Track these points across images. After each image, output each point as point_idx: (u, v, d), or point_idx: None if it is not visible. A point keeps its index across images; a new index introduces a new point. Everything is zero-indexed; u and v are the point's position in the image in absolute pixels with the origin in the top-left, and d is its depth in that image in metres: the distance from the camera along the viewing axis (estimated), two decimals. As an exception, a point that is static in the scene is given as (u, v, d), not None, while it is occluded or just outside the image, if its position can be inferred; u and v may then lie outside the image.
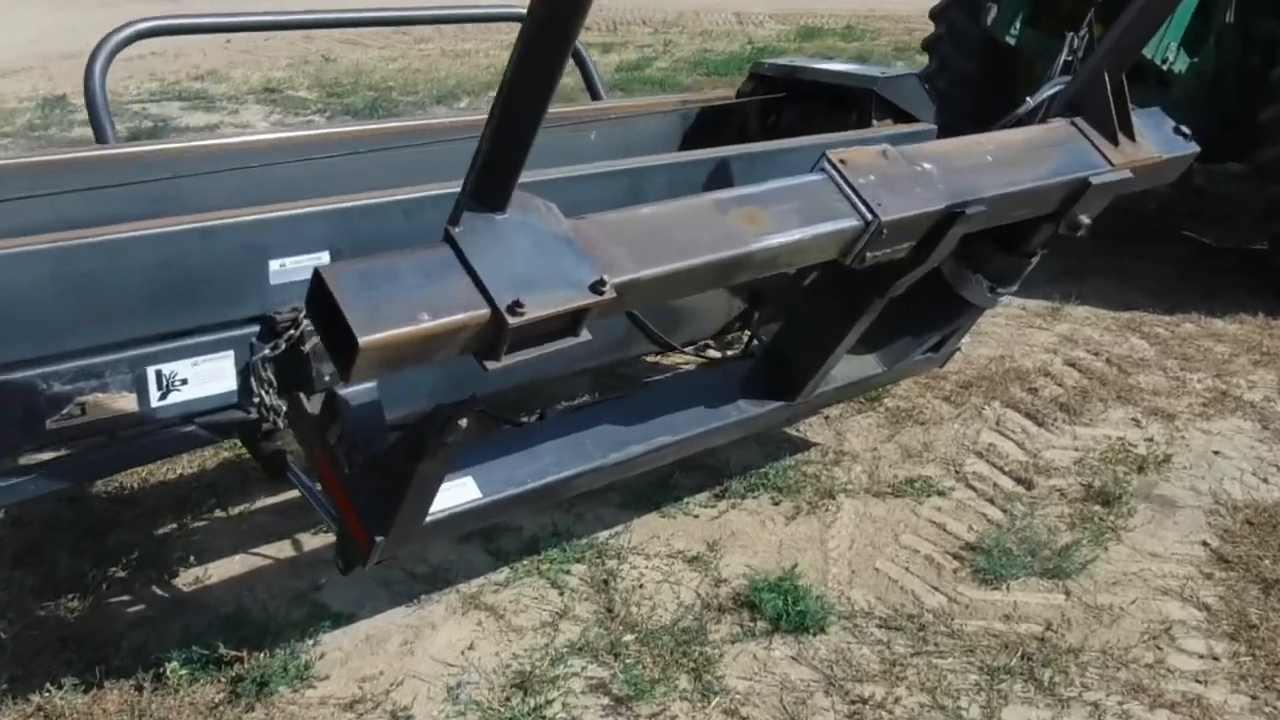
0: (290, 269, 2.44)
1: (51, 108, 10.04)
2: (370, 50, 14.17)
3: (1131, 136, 3.16)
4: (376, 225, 2.56)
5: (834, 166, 2.44)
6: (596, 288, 1.92)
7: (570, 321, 1.94)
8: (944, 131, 6.55)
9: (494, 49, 13.75)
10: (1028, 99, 3.30)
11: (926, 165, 2.61)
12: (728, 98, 4.23)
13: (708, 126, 4.20)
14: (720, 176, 3.18)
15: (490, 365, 1.90)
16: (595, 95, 4.39)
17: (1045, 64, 4.98)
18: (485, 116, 1.84)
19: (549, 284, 1.88)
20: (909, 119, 3.94)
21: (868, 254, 2.47)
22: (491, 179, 1.88)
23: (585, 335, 2.00)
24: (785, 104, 4.14)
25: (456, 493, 2.46)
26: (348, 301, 1.73)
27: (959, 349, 3.72)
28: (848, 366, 3.24)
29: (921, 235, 2.58)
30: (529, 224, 1.95)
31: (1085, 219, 3.06)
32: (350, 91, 11.12)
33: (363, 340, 1.70)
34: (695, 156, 3.20)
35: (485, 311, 1.82)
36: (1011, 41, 5.74)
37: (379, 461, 2.29)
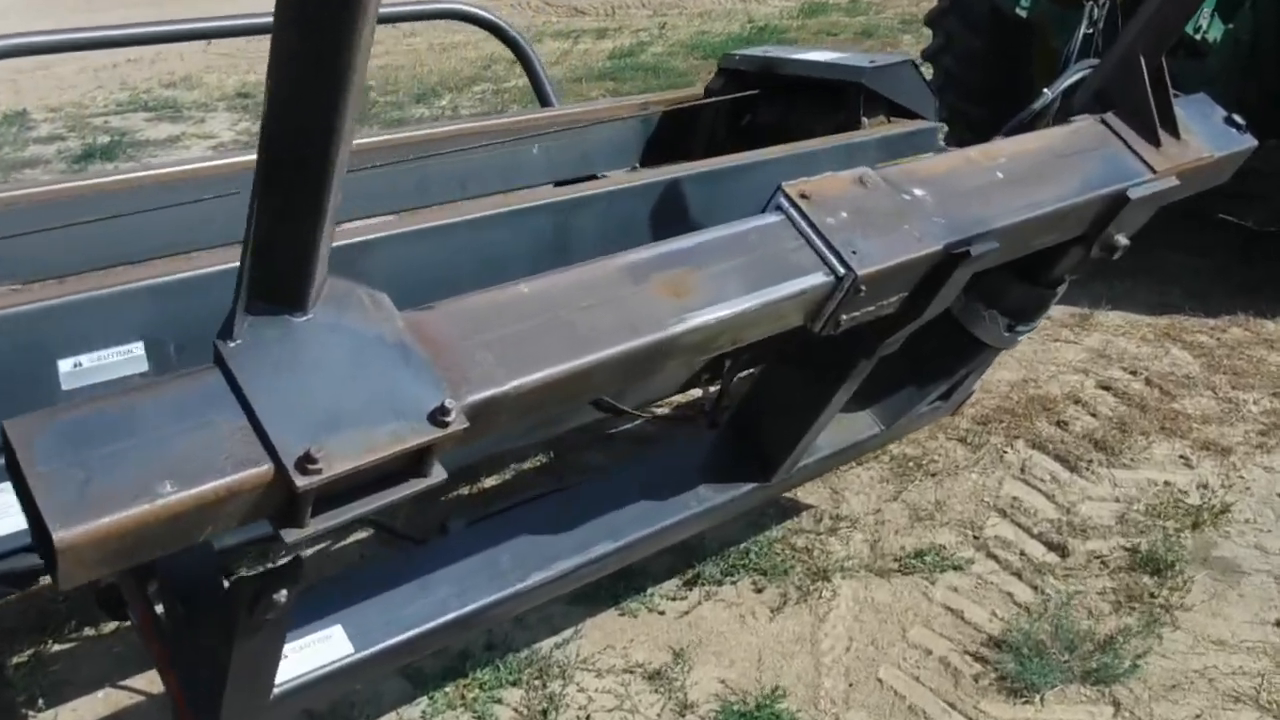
0: (89, 369, 1.87)
1: (9, 124, 9.52)
2: (354, 48, 13.55)
3: (1175, 133, 2.56)
4: (210, 302, 1.97)
5: (792, 203, 1.86)
6: (439, 417, 1.35)
7: (410, 462, 1.37)
8: (951, 115, 5.96)
9: (484, 40, 13.14)
10: (1045, 91, 2.70)
11: (918, 191, 2.01)
12: (695, 97, 3.64)
13: (672, 132, 3.61)
14: (669, 205, 2.60)
15: (289, 536, 1.33)
16: (544, 101, 3.82)
17: (1062, 38, 4.42)
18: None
19: (365, 418, 1.31)
20: (906, 114, 3.34)
21: (842, 317, 1.88)
22: (279, 266, 1.31)
23: (438, 475, 1.43)
24: (760, 102, 3.55)
25: (319, 650, 1.90)
26: (44, 477, 1.16)
27: (973, 391, 3.12)
28: (837, 429, 2.65)
29: (915, 284, 2.00)
30: (344, 328, 1.38)
31: (1122, 239, 2.47)
32: (327, 94, 10.58)
33: (60, 537, 1.13)
34: (635, 181, 2.61)
35: (266, 468, 1.25)
36: (1022, 14, 5.11)
37: (200, 624, 1.74)
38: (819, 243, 1.82)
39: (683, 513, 2.36)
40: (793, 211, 1.85)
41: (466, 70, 11.27)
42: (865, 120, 3.29)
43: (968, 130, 5.77)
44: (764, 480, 2.47)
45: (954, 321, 2.65)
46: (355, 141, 3.06)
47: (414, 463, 1.38)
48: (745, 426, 2.49)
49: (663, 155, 3.66)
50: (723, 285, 1.70)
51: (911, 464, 3.38)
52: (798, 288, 1.78)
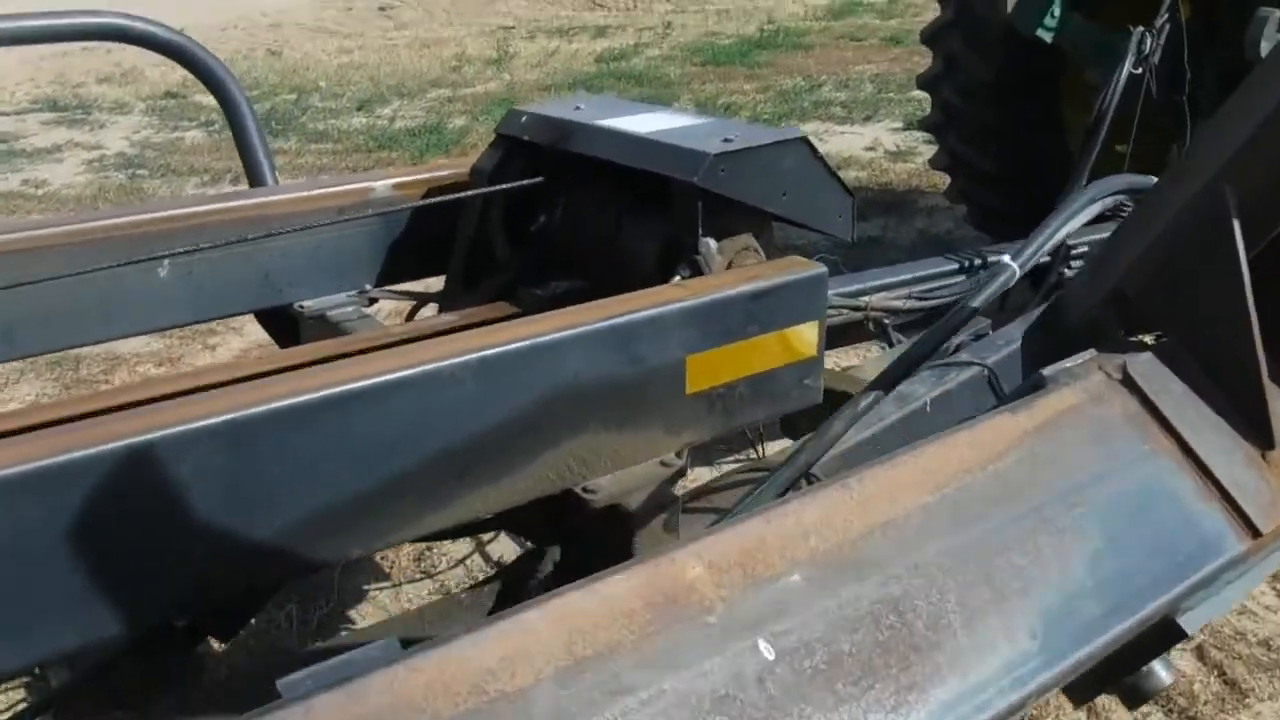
0: None
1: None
2: (332, 40, 12.38)
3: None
4: None
5: None
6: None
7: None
8: (952, 164, 4.35)
9: (469, 36, 11.86)
10: (1007, 262, 1.19)
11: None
12: (458, 180, 2.16)
13: (426, 233, 2.13)
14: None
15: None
16: (256, 180, 2.41)
17: (1100, 69, 3.06)
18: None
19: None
20: (795, 225, 1.86)
21: None
22: None
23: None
24: (555, 192, 2.07)
25: None
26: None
27: None
28: None
29: None
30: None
31: (1163, 673, 0.97)
32: (270, 94, 9.32)
33: None
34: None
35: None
36: (1045, 37, 3.57)
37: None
38: None
39: None
40: None
41: (434, 71, 9.95)
42: (710, 243, 1.80)
43: (973, 183, 4.25)
44: None
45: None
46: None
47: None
48: None
49: (410, 268, 2.20)
50: None
51: None
52: None
